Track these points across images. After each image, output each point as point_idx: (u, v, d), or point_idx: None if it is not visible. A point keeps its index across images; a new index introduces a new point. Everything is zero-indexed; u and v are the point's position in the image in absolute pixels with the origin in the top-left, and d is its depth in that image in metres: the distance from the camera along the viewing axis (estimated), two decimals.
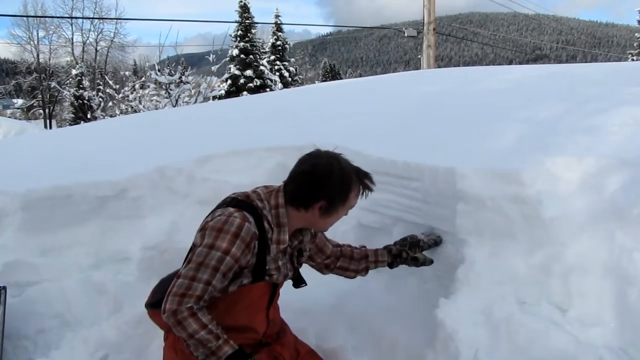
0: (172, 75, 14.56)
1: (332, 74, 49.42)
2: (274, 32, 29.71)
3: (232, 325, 1.72)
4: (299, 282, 1.92)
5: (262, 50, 27.97)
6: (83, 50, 33.82)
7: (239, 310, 1.74)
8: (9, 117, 30.20)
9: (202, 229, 1.66)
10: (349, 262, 2.06)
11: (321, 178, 1.65)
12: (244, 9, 26.56)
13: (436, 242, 2.13)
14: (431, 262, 2.10)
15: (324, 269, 2.07)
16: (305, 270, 1.96)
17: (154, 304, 1.84)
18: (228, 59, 23.78)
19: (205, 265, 1.58)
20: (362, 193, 1.74)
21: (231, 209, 1.64)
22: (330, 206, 1.68)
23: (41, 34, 33.49)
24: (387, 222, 2.39)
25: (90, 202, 2.81)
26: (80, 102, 25.36)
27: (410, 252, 2.07)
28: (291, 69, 29.91)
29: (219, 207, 1.73)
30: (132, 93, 16.73)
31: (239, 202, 1.68)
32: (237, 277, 1.68)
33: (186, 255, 1.72)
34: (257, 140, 3.26)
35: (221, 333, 1.61)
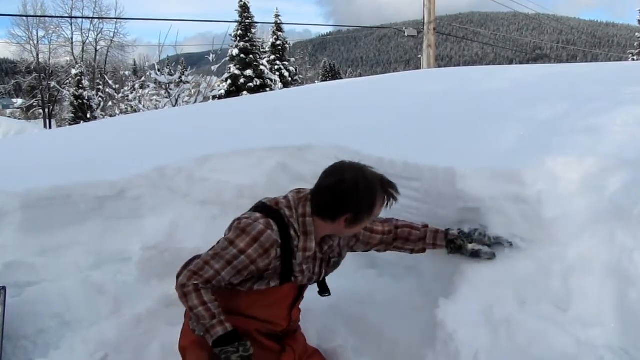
0: (172, 75, 14.54)
1: (332, 74, 49.38)
2: (274, 32, 29.68)
3: (253, 316, 1.83)
4: (323, 290, 1.98)
5: (262, 50, 27.93)
6: (83, 50, 33.79)
7: (262, 306, 1.83)
8: (9, 116, 30.13)
9: (231, 226, 1.78)
10: (404, 243, 2.06)
11: (347, 192, 1.68)
12: (244, 9, 26.51)
13: (485, 253, 1.96)
14: (492, 255, 1.95)
15: (377, 251, 2.12)
16: None
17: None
18: (228, 58, 23.75)
19: (221, 257, 1.69)
20: (387, 203, 1.76)
21: (257, 215, 1.73)
22: (356, 218, 1.73)
23: (41, 33, 33.47)
24: None
25: (90, 202, 2.80)
26: (80, 101, 25.33)
27: (466, 241, 1.97)
28: (291, 68, 29.88)
29: (250, 210, 1.81)
30: (131, 93, 16.72)
31: (267, 209, 1.75)
32: (264, 279, 1.77)
33: None
34: (257, 140, 3.25)
35: (218, 314, 1.70)
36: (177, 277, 1.77)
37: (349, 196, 1.68)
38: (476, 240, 1.96)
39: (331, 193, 1.70)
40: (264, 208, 1.75)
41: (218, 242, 1.75)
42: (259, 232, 1.67)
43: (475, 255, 1.96)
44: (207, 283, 1.70)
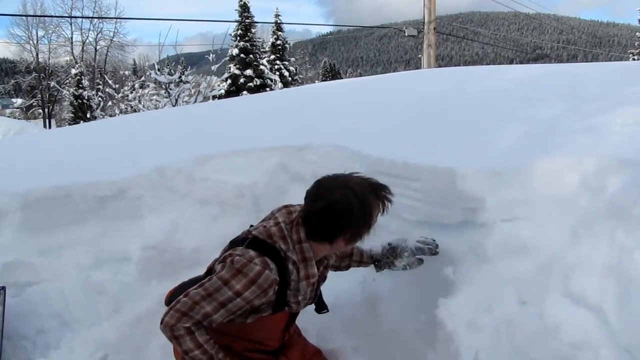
0: (171, 75, 14.54)
1: (332, 74, 49.38)
2: (274, 32, 29.70)
3: (247, 337, 1.78)
4: (320, 307, 1.92)
5: (262, 50, 27.94)
6: (82, 50, 33.80)
7: (255, 330, 1.76)
8: (8, 116, 30.12)
9: (223, 260, 1.64)
10: (350, 258, 2.11)
11: (341, 214, 1.57)
12: (244, 8, 26.52)
13: (430, 251, 2.10)
14: (419, 263, 2.10)
15: (336, 269, 2.11)
16: None
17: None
18: (228, 58, 23.76)
19: (213, 299, 1.57)
20: (383, 209, 1.67)
21: (252, 253, 1.60)
22: (355, 235, 1.64)
23: (40, 33, 33.49)
24: (386, 222, 2.38)
25: (90, 202, 2.80)
26: (80, 101, 25.31)
27: (396, 260, 2.09)
28: (291, 68, 29.90)
29: (240, 242, 1.67)
30: (131, 92, 16.73)
31: (261, 245, 1.63)
32: (256, 312, 1.69)
33: (204, 274, 1.76)
34: (257, 140, 3.25)
35: (216, 353, 1.63)
36: (165, 312, 1.62)
37: (344, 218, 1.57)
38: (399, 256, 2.08)
39: (324, 217, 1.58)
40: (258, 244, 1.63)
41: (209, 279, 1.61)
42: (257, 273, 1.56)
43: (406, 268, 2.10)
44: (198, 324, 1.59)
